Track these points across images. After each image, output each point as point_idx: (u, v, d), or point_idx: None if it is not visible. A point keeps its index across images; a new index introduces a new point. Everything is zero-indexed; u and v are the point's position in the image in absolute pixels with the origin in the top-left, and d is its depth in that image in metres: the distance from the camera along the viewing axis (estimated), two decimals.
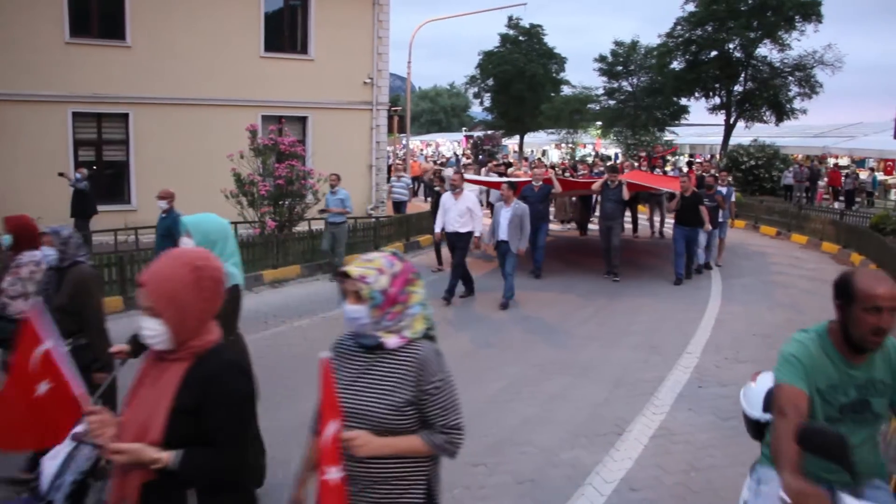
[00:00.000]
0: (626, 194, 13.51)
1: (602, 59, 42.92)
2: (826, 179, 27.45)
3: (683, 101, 40.15)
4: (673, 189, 14.06)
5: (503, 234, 11.55)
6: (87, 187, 16.07)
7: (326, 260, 14.31)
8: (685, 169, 25.07)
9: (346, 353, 2.98)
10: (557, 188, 14.23)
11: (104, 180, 19.16)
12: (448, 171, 16.92)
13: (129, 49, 18.74)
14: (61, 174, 15.63)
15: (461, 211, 11.76)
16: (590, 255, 16.02)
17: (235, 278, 4.21)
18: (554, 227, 20.07)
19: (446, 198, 12.00)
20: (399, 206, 19.66)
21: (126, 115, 18.99)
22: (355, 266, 2.77)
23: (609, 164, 18.66)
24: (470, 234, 11.69)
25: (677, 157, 39.66)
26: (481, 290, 12.29)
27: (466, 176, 17.23)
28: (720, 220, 14.86)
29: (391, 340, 2.81)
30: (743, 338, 9.75)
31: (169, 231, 10.39)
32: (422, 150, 57.44)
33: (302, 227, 15.88)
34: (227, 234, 4.21)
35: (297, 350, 9.22)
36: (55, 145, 17.94)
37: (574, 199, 19.46)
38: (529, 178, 14.63)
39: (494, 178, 17.87)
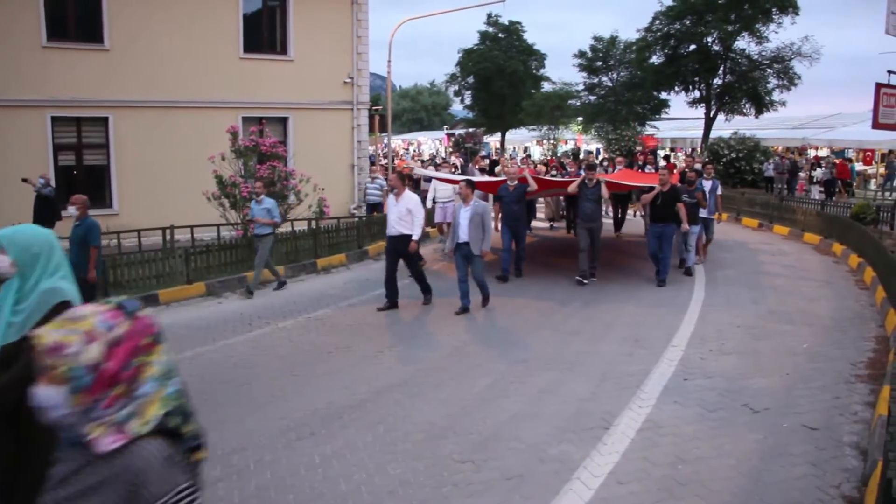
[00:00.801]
0: (605, 192, 13.16)
1: (581, 54, 43.05)
2: (834, 172, 27.43)
3: (663, 96, 40.37)
4: (652, 184, 13.64)
5: (464, 236, 10.90)
6: (51, 192, 15.85)
7: (301, 262, 14.50)
8: (662, 163, 25.04)
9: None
10: (533, 186, 13.59)
11: (85, 184, 19.00)
12: (420, 171, 16.92)
13: (108, 52, 18.60)
14: (25, 180, 15.43)
15: (401, 213, 11.12)
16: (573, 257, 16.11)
17: (65, 294, 3.69)
18: (541, 225, 20.12)
19: (389, 199, 11.47)
20: (374, 207, 19.22)
21: (106, 119, 18.84)
22: (51, 329, 1.91)
23: (587, 161, 18.16)
24: (404, 235, 11.04)
25: (660, 151, 39.82)
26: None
27: (435, 174, 16.87)
28: (706, 215, 14.36)
29: (104, 440, 1.92)
30: (727, 330, 9.80)
31: (83, 240, 10.08)
32: (405, 149, 57.38)
33: (285, 228, 15.82)
34: (53, 246, 3.76)
35: (281, 352, 9.20)
36: (34, 150, 17.76)
37: (563, 197, 18.79)
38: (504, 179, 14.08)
39: (458, 177, 17.35)
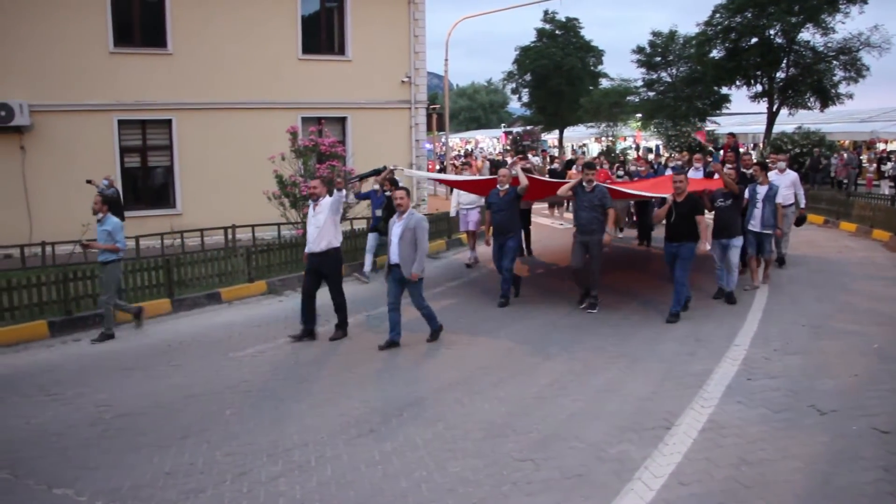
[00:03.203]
0: (608, 202, 10.87)
1: (640, 50, 42.46)
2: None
3: (724, 90, 39.50)
4: (665, 193, 10.94)
5: (394, 256, 9.17)
6: (115, 194, 16.22)
7: (359, 261, 14.44)
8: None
9: None
10: (524, 183, 11.45)
11: (149, 185, 19.52)
12: (412, 172, 15.83)
13: (171, 56, 19.02)
14: (89, 181, 15.86)
15: (318, 223, 9.65)
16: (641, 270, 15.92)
17: None
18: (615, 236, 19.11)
19: (309, 210, 9.97)
20: None
21: (169, 121, 19.27)
22: None
23: (586, 160, 16.32)
24: (329, 251, 9.67)
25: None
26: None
27: (435, 175, 15.77)
28: (758, 228, 11.92)
29: None
30: (792, 329, 9.57)
31: None
32: (462, 147, 57.43)
33: (343, 227, 15.97)
34: None
35: (340, 349, 9.36)
36: (102, 153, 18.28)
37: (632, 201, 16.57)
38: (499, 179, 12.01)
39: (454, 177, 15.76)
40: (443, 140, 31.70)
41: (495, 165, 26.84)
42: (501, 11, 63.79)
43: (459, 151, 52.46)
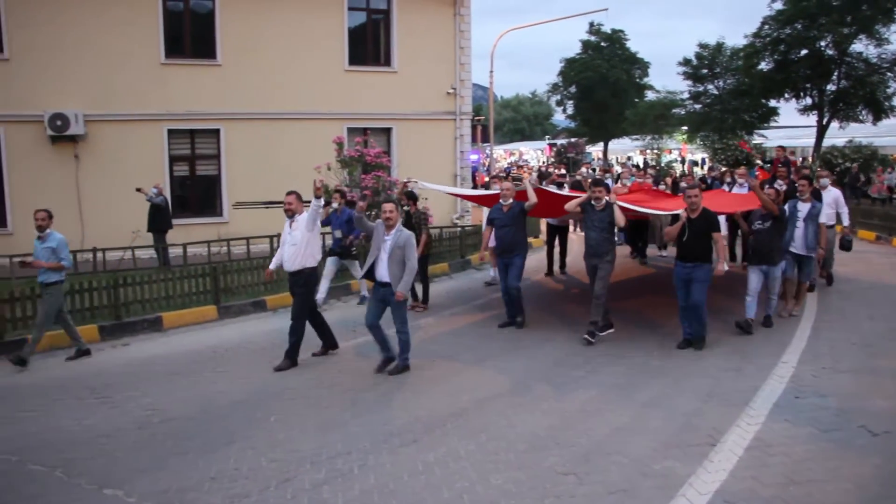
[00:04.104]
0: (619, 219, 9.80)
1: (686, 62, 42.20)
2: None
3: (772, 103, 39.02)
4: (678, 210, 9.95)
5: (384, 275, 8.60)
6: (163, 202, 16.52)
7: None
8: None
9: None
10: (533, 199, 10.61)
11: (197, 194, 19.85)
12: (427, 185, 14.03)
13: (220, 67, 19.38)
14: (138, 189, 16.18)
15: (294, 241, 9.16)
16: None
17: None
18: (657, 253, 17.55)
19: (285, 226, 9.42)
20: None
21: (217, 131, 19.62)
22: None
23: (594, 176, 15.71)
24: (302, 271, 9.13)
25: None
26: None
27: (449, 189, 14.67)
28: (800, 251, 11.04)
29: None
30: (842, 346, 9.37)
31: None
32: (506, 159, 57.44)
33: None
34: None
35: (378, 360, 9.35)
36: (152, 161, 18.66)
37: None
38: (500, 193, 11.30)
39: (472, 192, 14.75)
40: (487, 152, 31.70)
41: (543, 177, 26.62)
42: (547, 23, 63.75)
43: (504, 163, 52.39)
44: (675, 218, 9.71)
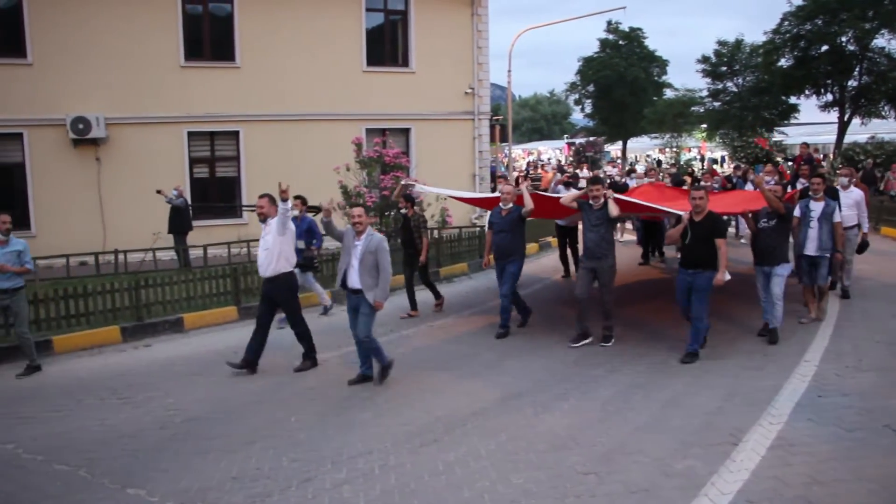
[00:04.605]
0: (612, 210, 9.36)
1: (705, 59, 41.90)
2: None
3: (792, 100, 38.66)
4: (681, 210, 9.47)
5: (355, 281, 8.21)
6: (183, 203, 16.63)
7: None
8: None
9: None
10: (529, 206, 10.25)
11: (217, 195, 19.97)
12: (424, 188, 13.55)
13: (239, 69, 19.50)
14: (159, 191, 16.29)
15: (266, 245, 8.89)
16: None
17: None
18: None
19: (263, 230, 9.14)
20: None
21: (237, 133, 19.75)
22: None
23: (592, 174, 15.20)
24: (279, 276, 8.92)
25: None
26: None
27: (447, 192, 14.23)
28: (814, 252, 10.37)
29: None
30: (865, 345, 9.28)
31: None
32: (524, 158, 57.36)
33: None
34: None
35: (404, 359, 9.37)
36: (172, 163, 18.81)
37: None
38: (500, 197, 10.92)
39: (472, 195, 14.00)
40: (505, 151, 31.68)
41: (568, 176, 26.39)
42: (564, 22, 63.58)
43: (522, 163, 52.34)
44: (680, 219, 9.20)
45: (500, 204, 10.62)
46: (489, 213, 12.07)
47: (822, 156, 33.83)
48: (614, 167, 34.26)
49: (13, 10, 17.52)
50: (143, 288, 11.47)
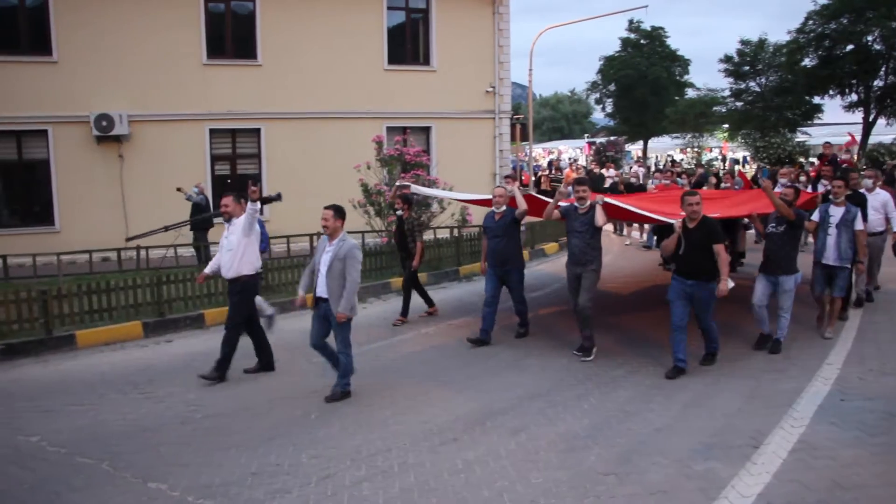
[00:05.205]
0: (599, 219, 8.73)
1: (728, 59, 41.60)
2: None
3: (816, 100, 38.36)
4: (673, 217, 8.85)
5: (322, 289, 7.72)
6: (203, 201, 16.69)
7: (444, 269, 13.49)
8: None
9: None
10: (522, 207, 9.71)
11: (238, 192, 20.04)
12: (420, 189, 13.30)
13: (261, 67, 19.59)
14: (179, 189, 16.40)
15: (231, 246, 8.60)
16: None
17: None
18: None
19: (226, 230, 8.82)
20: None
21: (258, 130, 19.84)
22: None
23: (576, 174, 14.65)
24: (239, 279, 8.54)
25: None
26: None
27: (443, 193, 13.90)
28: (834, 262, 9.64)
29: None
30: (889, 348, 9.18)
31: None
32: (544, 157, 57.20)
33: (427, 236, 16.12)
34: None
35: (423, 357, 9.46)
36: (194, 160, 18.95)
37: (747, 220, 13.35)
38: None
39: (467, 196, 13.39)
40: (526, 150, 31.64)
41: (591, 178, 26.16)
42: (586, 21, 63.41)
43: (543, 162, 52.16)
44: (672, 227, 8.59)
45: (493, 207, 10.03)
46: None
47: (854, 156, 33.32)
48: (641, 167, 34.01)
49: (40, 9, 17.71)
50: (164, 284, 11.56)
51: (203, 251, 16.10)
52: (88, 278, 12.91)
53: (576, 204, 9.06)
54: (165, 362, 9.56)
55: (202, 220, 16.30)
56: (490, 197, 10.26)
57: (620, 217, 9.99)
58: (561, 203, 9.43)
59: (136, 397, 8.09)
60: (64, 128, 17.96)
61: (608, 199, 9.41)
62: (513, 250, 9.90)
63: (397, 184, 12.07)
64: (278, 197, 9.67)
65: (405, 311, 11.45)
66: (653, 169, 34.96)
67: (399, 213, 11.57)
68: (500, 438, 6.52)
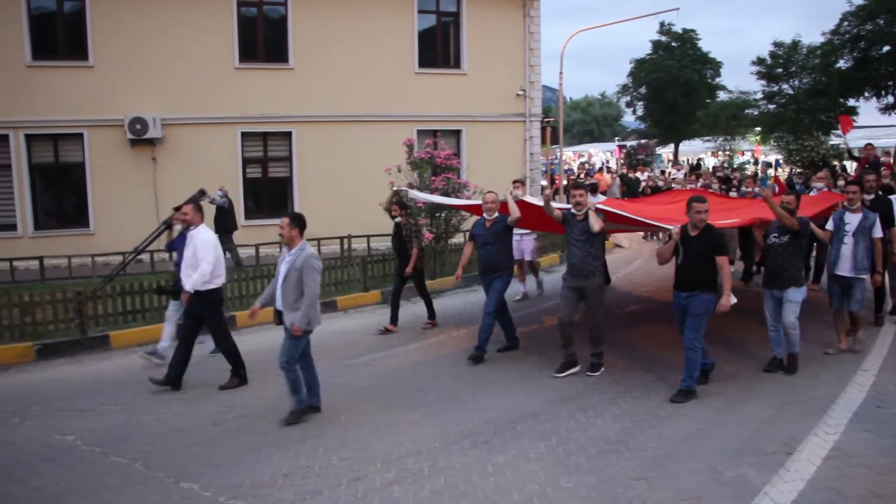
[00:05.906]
0: (593, 224, 8.22)
1: (760, 61, 41.12)
2: None
3: (851, 102, 37.78)
4: (673, 224, 8.02)
5: (279, 301, 7.39)
6: (226, 204, 16.76)
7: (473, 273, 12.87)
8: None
9: None
10: (515, 214, 9.10)
11: (269, 195, 20.24)
12: (417, 194, 13.05)
13: (292, 70, 19.75)
14: (202, 192, 16.46)
15: (188, 258, 8.47)
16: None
17: None
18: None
19: (187, 241, 8.70)
20: None
21: (289, 133, 19.99)
22: None
23: (585, 179, 14.33)
24: (206, 292, 8.43)
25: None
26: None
27: (441, 199, 13.47)
28: (848, 273, 9.07)
29: None
30: None
31: None
32: (574, 160, 56.98)
33: (458, 239, 16.18)
34: None
35: (454, 359, 9.47)
36: (226, 163, 19.14)
37: (735, 232, 13.39)
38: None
39: (463, 202, 13.13)
40: (556, 154, 31.51)
41: (625, 182, 25.91)
42: (617, 24, 63.10)
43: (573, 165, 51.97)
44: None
45: (484, 214, 9.60)
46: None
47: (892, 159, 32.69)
48: (679, 170, 33.69)
49: (77, 14, 18.03)
50: None
51: (234, 253, 16.20)
52: (122, 280, 13.05)
53: (573, 210, 8.55)
54: (196, 364, 9.60)
55: (224, 222, 16.30)
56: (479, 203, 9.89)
57: (619, 223, 9.47)
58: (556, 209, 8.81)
59: (169, 398, 8.19)
60: (99, 131, 18.24)
61: (601, 206, 9.03)
62: (503, 258, 9.54)
63: (394, 189, 11.84)
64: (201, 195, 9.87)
65: (394, 318, 11.20)
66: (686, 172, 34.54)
67: (398, 219, 11.34)
68: (530, 442, 6.50)
